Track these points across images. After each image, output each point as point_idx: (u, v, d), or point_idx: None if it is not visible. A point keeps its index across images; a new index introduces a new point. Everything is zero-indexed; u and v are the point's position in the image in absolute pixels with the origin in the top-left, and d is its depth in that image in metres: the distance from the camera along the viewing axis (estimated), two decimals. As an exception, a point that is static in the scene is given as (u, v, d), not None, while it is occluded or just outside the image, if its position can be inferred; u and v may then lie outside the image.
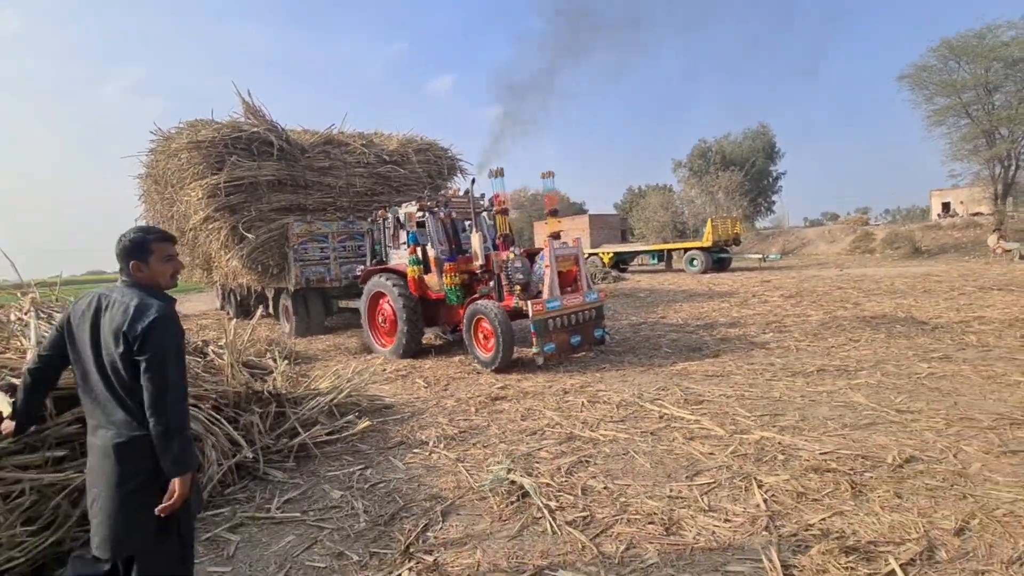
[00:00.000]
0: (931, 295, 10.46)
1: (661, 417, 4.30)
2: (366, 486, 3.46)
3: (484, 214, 7.78)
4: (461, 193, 8.34)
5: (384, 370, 7.02)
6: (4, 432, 2.12)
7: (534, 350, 6.25)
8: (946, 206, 37.32)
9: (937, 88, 23.50)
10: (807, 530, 2.50)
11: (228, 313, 13.99)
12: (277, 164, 10.05)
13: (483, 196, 8.09)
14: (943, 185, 35.03)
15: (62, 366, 2.09)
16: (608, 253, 25.07)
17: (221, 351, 4.84)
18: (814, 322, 8.25)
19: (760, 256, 21.80)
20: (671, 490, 3.04)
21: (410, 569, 2.48)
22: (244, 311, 13.71)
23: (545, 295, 6.38)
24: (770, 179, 44.49)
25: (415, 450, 4.03)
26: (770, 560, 2.27)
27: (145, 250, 1.91)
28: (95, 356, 1.84)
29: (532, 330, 6.17)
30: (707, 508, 2.80)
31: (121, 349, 1.76)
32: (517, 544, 2.63)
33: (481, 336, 6.57)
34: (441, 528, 2.85)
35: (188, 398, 1.92)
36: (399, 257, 7.96)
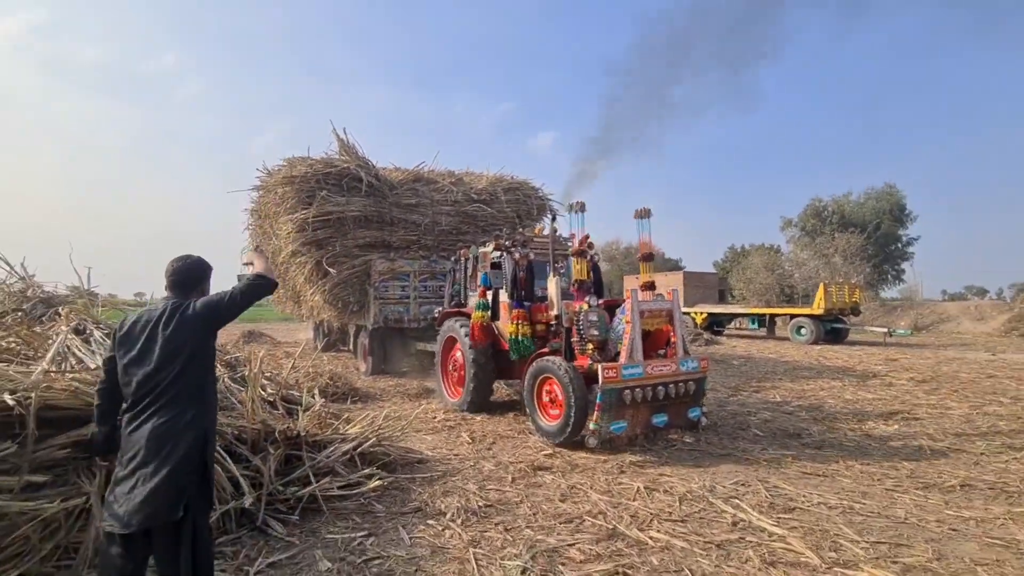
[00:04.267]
0: None
1: (735, 524, 3.39)
2: (359, 560, 2.97)
3: (572, 258, 6.70)
4: (546, 232, 7.36)
5: (434, 418, 6.63)
6: None
7: (591, 426, 4.98)
8: None
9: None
10: None
11: (316, 346, 14.27)
12: (365, 200, 10.08)
13: (571, 237, 6.92)
14: None
15: None
16: (702, 313, 23.34)
17: (266, 383, 4.76)
18: (956, 416, 6.62)
19: (886, 330, 18.89)
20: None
21: None
22: (331, 346, 14.03)
23: (622, 359, 5.15)
24: (899, 244, 39.76)
25: (429, 521, 3.49)
26: None
27: None
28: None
29: (598, 400, 4.93)
30: None
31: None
32: None
33: (547, 400, 5.56)
34: (419, 639, 2.27)
35: None
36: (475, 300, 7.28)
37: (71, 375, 2.97)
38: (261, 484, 3.48)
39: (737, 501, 3.75)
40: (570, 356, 5.52)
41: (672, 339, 5.64)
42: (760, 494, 3.88)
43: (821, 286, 19.40)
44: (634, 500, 3.82)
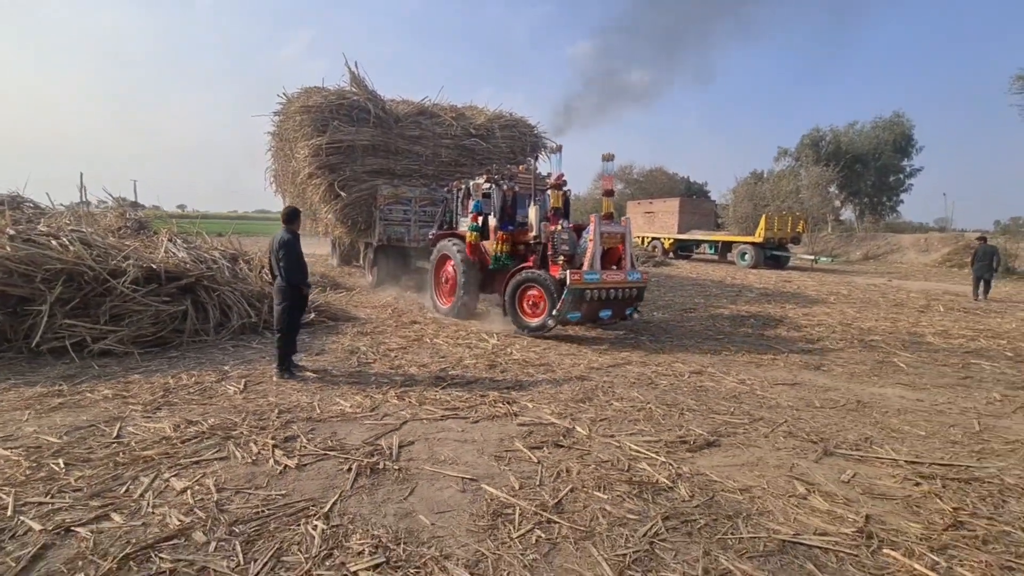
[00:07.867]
0: (897, 309, 11.12)
1: (481, 340, 7.04)
2: (301, 341, 6.77)
3: (549, 190, 7.83)
4: (535, 169, 8.61)
5: (379, 301, 10.38)
6: None
7: (554, 312, 6.75)
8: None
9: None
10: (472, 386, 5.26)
11: (333, 260, 16.45)
12: (373, 131, 11.34)
13: (549, 175, 8.32)
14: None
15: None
16: (669, 239, 26.24)
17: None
18: (721, 316, 9.97)
19: (812, 258, 21.57)
20: (431, 370, 5.90)
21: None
22: (345, 260, 15.59)
23: (585, 267, 6.74)
24: (901, 175, 40.30)
25: (339, 334, 7.26)
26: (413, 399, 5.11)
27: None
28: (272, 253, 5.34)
29: (564, 295, 6.60)
30: (444, 387, 5.65)
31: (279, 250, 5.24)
32: (352, 370, 5.72)
33: (528, 304, 7.30)
34: (317, 355, 6.04)
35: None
36: (467, 224, 8.48)
37: (173, 258, 6.72)
38: (260, 313, 7.28)
39: (510, 344, 7.37)
40: (542, 266, 7.13)
41: (623, 256, 7.40)
42: (525, 344, 7.49)
43: (763, 217, 21.92)
44: (451, 336, 7.48)
